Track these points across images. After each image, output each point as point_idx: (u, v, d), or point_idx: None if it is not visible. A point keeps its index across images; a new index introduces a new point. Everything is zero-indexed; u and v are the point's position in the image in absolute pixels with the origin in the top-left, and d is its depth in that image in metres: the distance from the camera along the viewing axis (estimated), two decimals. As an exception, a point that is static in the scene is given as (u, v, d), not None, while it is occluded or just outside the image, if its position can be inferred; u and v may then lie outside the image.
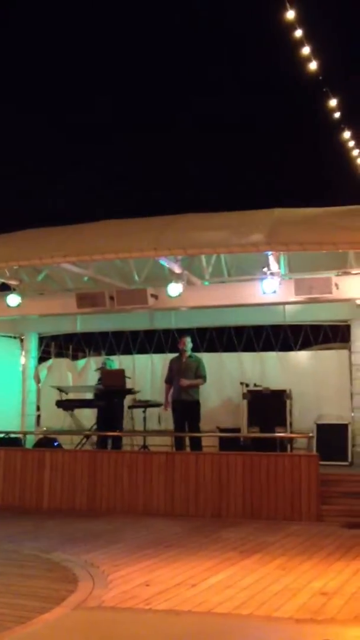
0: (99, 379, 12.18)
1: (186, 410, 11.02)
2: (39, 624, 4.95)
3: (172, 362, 11.43)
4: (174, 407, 11.17)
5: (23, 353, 13.81)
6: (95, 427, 11.81)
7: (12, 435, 12.04)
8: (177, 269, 9.89)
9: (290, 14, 10.09)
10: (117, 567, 6.61)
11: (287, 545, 7.67)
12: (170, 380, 11.30)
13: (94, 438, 11.73)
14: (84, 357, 16.11)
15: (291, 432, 11.15)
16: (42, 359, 14.63)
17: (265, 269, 9.41)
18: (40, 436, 12.20)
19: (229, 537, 8.14)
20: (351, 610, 5.25)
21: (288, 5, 10.01)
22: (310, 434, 10.87)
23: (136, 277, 10.70)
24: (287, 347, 12.72)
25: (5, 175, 21.21)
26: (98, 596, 5.65)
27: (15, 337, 14.09)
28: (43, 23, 22.79)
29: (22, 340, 13.96)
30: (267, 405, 11.25)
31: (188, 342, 11.35)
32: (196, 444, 10.84)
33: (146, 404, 11.88)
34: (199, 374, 11.14)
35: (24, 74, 23.84)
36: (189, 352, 11.33)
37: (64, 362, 15.17)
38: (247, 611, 5.25)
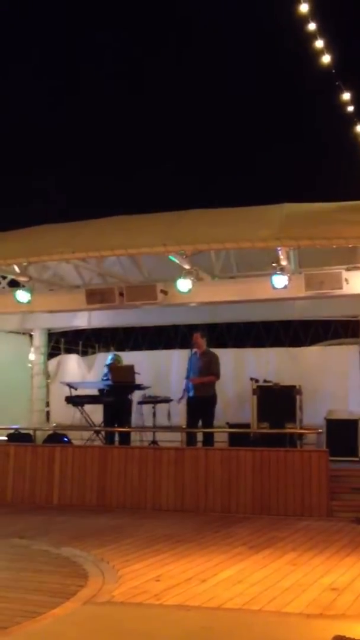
0: (104, 375, 12.18)
1: (199, 406, 10.99)
2: (49, 618, 4.96)
3: (190, 358, 11.42)
4: (188, 403, 11.15)
5: (32, 349, 13.83)
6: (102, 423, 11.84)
7: (22, 431, 12.07)
8: (186, 265, 9.87)
9: (304, 7, 10.04)
10: (127, 562, 6.62)
11: (297, 541, 7.65)
12: (188, 376, 11.29)
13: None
14: (93, 353, 16.14)
15: (301, 428, 11.12)
16: (51, 355, 14.65)
17: (275, 264, 9.38)
18: (50, 432, 12.22)
19: (239, 532, 8.13)
20: (362, 606, 5.23)
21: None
22: (320, 430, 10.84)
23: (145, 273, 10.69)
24: (297, 342, 12.70)
25: (12, 171, 21.24)
26: (108, 591, 5.66)
27: (24, 334, 14.12)
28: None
29: (31, 337, 13.97)
30: (277, 401, 11.21)
31: (199, 338, 11.33)
32: (209, 441, 10.81)
33: (155, 400, 11.87)
34: (212, 370, 11.10)
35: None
36: (203, 348, 11.30)
37: (74, 358, 15.20)
38: (257, 607, 5.24)
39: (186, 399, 11.18)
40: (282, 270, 9.38)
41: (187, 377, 11.24)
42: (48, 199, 21.00)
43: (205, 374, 11.06)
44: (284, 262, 9.39)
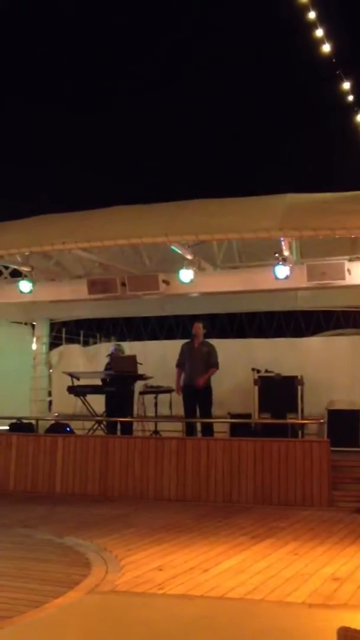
0: (107, 365, 12.20)
1: (197, 395, 11.02)
2: (52, 608, 4.98)
3: (184, 346, 11.42)
4: (185, 393, 11.16)
5: (34, 339, 13.84)
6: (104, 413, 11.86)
7: (24, 421, 12.10)
8: (188, 255, 9.86)
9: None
10: (129, 551, 6.65)
11: (299, 531, 7.68)
12: (181, 364, 11.29)
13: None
14: (94, 342, 16.17)
15: (302, 418, 11.14)
16: (53, 344, 14.67)
17: (277, 255, 9.37)
18: (52, 422, 12.25)
19: (241, 522, 8.16)
20: (363, 596, 5.26)
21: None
22: (322, 420, 10.86)
23: (147, 263, 10.68)
24: (299, 332, 12.69)
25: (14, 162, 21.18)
26: (111, 580, 5.68)
27: (26, 324, 14.13)
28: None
29: (33, 327, 13.98)
30: (279, 391, 11.22)
31: (201, 328, 11.34)
32: (208, 430, 10.84)
33: (157, 390, 11.89)
34: (212, 361, 11.11)
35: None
36: (201, 338, 11.30)
37: (75, 348, 15.21)
38: (259, 596, 5.27)
39: (183, 389, 11.19)
40: (285, 260, 9.37)
41: (180, 366, 11.24)
42: (51, 193, 20.96)
43: (206, 364, 11.08)
44: (286, 253, 9.38)
